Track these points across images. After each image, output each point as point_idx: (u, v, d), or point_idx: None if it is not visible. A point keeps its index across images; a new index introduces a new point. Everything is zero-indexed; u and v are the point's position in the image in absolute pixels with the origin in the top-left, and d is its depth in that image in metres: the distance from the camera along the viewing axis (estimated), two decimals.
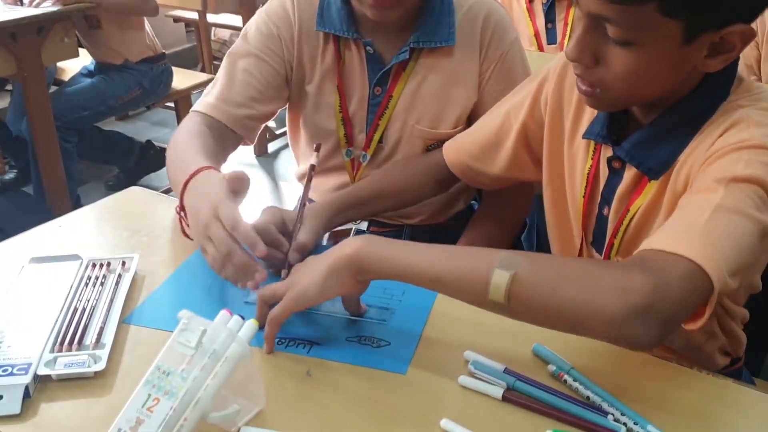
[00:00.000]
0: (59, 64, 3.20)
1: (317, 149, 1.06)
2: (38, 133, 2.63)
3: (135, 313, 0.92)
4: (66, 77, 3.13)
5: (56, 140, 2.67)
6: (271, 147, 3.73)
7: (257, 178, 1.40)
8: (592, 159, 0.97)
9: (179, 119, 3.23)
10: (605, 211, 0.97)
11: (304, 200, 1.04)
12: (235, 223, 0.87)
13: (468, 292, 0.76)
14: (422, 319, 0.90)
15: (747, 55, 2.08)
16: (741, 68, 2.28)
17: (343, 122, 1.26)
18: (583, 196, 0.99)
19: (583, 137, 0.97)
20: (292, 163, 1.46)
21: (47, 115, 2.63)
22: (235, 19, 4.15)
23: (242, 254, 0.88)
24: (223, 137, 1.18)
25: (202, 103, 1.20)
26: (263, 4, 1.34)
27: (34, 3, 2.56)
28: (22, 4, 2.59)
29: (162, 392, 0.68)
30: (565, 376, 0.80)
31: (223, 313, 0.75)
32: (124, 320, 0.91)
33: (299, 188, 1.47)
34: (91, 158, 3.19)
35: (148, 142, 3.29)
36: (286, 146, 1.81)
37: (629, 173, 0.92)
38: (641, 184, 0.91)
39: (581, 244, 1.02)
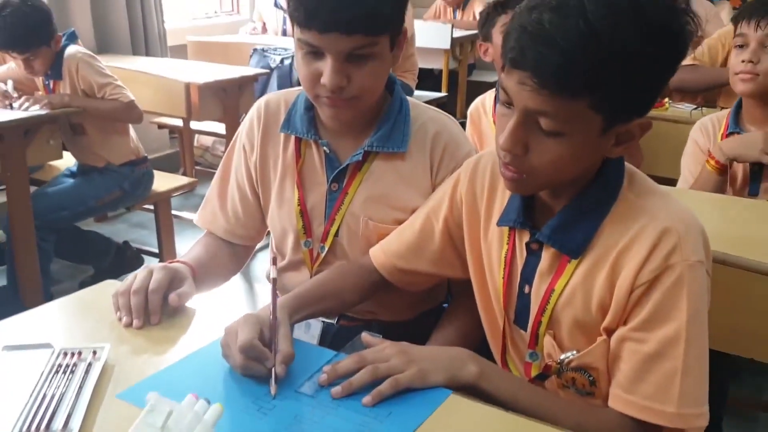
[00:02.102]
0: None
1: (274, 262, 1.10)
2: (17, 232, 2.64)
3: (133, 390, 0.95)
4: (49, 176, 3.17)
5: (34, 239, 2.68)
6: None
7: (232, 279, 1.44)
8: (507, 244, 1.09)
9: (158, 222, 3.26)
10: (526, 289, 1.07)
11: (275, 313, 1.05)
12: (154, 285, 1.15)
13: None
14: None
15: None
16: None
17: (301, 214, 1.34)
18: (503, 278, 1.09)
19: (499, 224, 1.10)
20: (266, 264, 1.50)
21: (27, 215, 2.65)
22: (218, 127, 4.26)
23: (137, 295, 1.13)
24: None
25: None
26: (245, 113, 1.44)
27: (24, 107, 2.65)
28: (12, 107, 2.69)
29: None
30: None
31: (189, 398, 0.77)
32: (118, 395, 0.94)
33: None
34: (67, 257, 3.18)
35: (125, 243, 3.30)
36: (261, 248, 1.86)
37: (547, 254, 1.04)
38: (561, 264, 1.02)
39: (504, 323, 1.11)
